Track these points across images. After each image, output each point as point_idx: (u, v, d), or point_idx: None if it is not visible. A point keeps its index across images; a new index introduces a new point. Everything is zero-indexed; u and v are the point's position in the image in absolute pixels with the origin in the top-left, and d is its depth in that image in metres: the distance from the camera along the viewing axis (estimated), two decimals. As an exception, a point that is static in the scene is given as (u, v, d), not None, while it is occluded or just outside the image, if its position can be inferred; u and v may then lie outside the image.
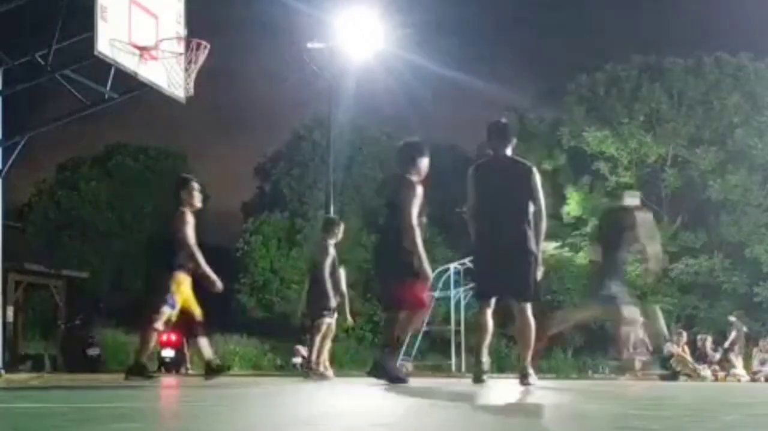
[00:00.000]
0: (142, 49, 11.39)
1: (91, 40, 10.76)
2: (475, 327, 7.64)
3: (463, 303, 23.48)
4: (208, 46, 11.96)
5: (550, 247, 27.41)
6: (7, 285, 15.01)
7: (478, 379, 7.07)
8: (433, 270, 26.89)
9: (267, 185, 32.74)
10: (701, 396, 6.30)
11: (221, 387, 6.92)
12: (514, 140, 7.43)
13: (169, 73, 11.94)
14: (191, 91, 12.36)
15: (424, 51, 22.82)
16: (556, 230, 27.68)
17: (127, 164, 31.79)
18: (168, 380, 11.33)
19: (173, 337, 17.55)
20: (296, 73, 19.40)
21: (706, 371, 16.59)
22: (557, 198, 27.48)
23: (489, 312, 7.16)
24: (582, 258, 27.75)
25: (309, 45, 17.08)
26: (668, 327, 18.72)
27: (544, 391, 6.19)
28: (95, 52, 10.77)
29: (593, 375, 21.41)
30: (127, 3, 11.22)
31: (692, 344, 18.07)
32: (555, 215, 27.33)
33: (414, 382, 7.66)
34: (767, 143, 26.65)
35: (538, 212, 7.06)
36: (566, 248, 27.85)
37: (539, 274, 7.01)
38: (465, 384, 8.07)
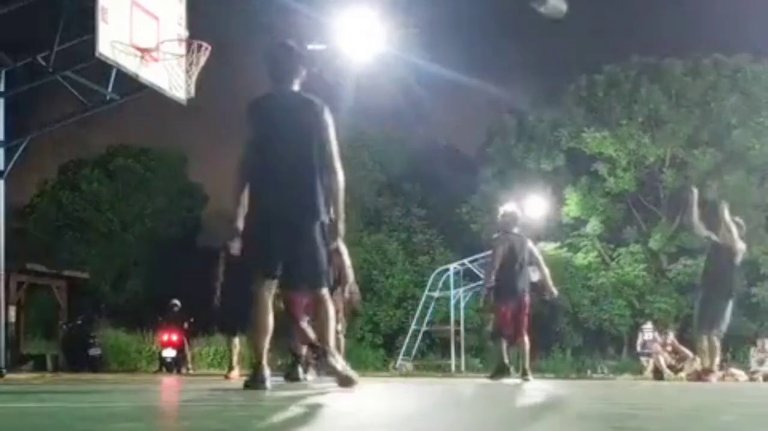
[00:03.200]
0: (143, 50, 11.42)
1: (92, 42, 10.80)
2: (251, 321, 5.49)
3: (462, 303, 23.51)
4: (209, 47, 12.00)
5: (549, 247, 27.43)
6: (9, 286, 15.03)
7: (251, 385, 5.46)
8: (433, 270, 26.78)
9: (267, 186, 32.67)
10: (700, 396, 6.32)
11: (221, 387, 6.95)
12: (304, 72, 5.75)
13: (170, 74, 11.98)
14: (192, 92, 12.39)
15: (424, 52, 22.81)
16: (555, 230, 27.72)
17: (129, 165, 31.77)
18: (168, 380, 11.36)
19: (174, 337, 17.57)
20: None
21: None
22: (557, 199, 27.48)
23: (268, 297, 5.31)
24: (581, 259, 27.76)
25: (309, 46, 17.13)
26: (666, 326, 18.73)
27: (544, 391, 6.22)
28: (96, 54, 10.81)
29: (592, 375, 21.44)
30: (129, 5, 11.25)
31: (691, 344, 18.06)
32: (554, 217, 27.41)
33: (414, 382, 7.68)
34: (765, 144, 26.65)
35: (327, 166, 5.37)
36: (565, 249, 27.85)
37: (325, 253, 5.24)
38: (464, 384, 8.10)
